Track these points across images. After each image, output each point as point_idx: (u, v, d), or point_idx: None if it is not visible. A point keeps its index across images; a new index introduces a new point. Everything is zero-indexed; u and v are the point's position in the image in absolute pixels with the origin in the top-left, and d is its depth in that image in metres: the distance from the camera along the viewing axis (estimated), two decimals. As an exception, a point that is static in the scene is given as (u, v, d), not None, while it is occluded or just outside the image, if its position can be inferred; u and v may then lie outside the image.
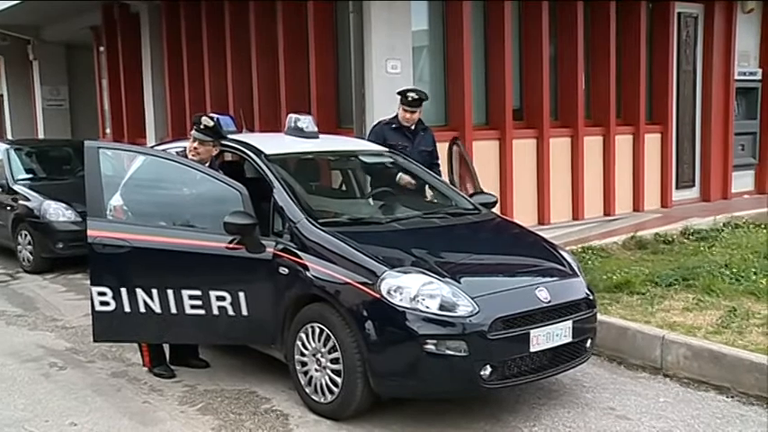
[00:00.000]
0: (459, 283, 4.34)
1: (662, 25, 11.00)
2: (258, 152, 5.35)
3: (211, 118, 5.36)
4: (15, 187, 9.66)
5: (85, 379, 5.36)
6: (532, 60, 9.67)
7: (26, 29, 15.89)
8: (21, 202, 9.42)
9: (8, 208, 9.57)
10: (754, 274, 6.84)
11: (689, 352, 5.08)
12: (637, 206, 10.78)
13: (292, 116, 5.99)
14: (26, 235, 9.25)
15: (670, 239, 8.72)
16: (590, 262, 7.49)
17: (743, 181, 12.34)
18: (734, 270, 6.96)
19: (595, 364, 5.26)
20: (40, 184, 9.79)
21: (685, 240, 8.79)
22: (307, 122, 5.88)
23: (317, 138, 5.93)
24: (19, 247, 9.36)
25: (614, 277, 6.77)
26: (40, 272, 9.07)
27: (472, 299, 4.24)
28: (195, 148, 5.27)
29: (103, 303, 4.98)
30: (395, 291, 4.24)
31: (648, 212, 10.66)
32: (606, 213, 10.41)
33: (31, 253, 9.19)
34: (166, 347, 5.45)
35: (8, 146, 10.64)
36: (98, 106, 15.11)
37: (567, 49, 10.02)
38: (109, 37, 13.62)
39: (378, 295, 4.26)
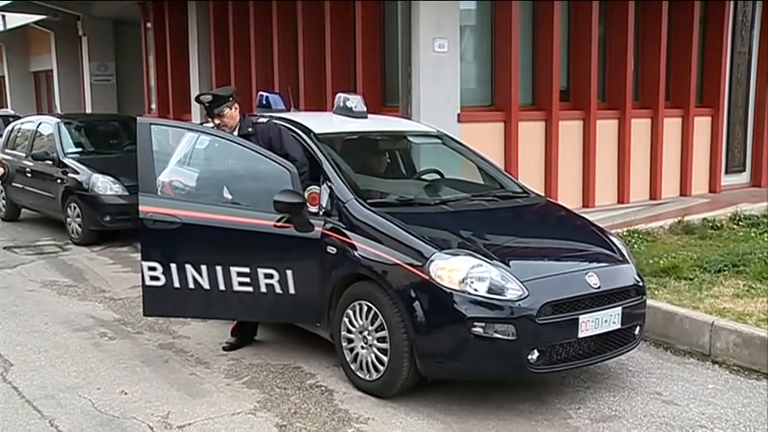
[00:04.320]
0: (509, 266, 4.31)
1: (717, 6, 10.72)
2: (308, 131, 5.36)
3: (230, 96, 5.33)
4: (65, 160, 9.82)
5: (134, 349, 5.47)
6: (581, 41, 9.51)
7: (76, 5, 16.07)
8: (70, 175, 9.58)
9: (58, 181, 9.74)
10: (807, 261, 6.70)
11: (739, 339, 5.01)
12: (684, 191, 10.62)
13: (341, 95, 5.98)
14: (75, 207, 9.43)
15: (719, 225, 8.58)
16: (636, 246, 7.40)
17: (796, 167, 12.06)
18: (786, 257, 6.83)
19: (641, 349, 5.20)
20: (88, 158, 9.95)
21: (735, 226, 8.64)
22: (356, 102, 5.87)
23: (366, 118, 5.92)
24: (68, 219, 9.54)
25: (661, 262, 6.69)
26: (87, 244, 9.25)
27: (521, 282, 4.22)
28: (218, 124, 5.30)
29: (154, 278, 5.05)
30: (444, 272, 4.23)
31: (696, 197, 10.50)
32: (652, 197, 10.28)
33: (79, 225, 9.37)
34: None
35: (58, 120, 10.82)
36: (144, 82, 15.28)
37: (616, 30, 9.84)
38: (156, 13, 13.73)
39: (426, 277, 4.26)
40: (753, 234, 8.15)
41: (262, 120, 5.42)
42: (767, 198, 9.97)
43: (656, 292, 5.88)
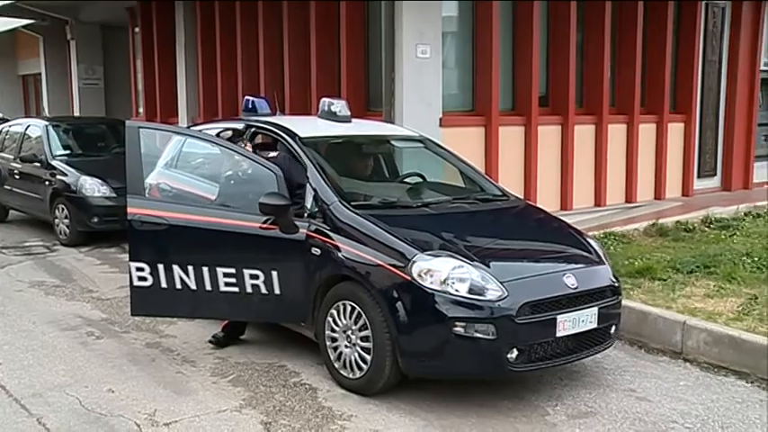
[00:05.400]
0: (489, 267, 4.33)
1: (689, 15, 10.86)
2: (293, 135, 5.35)
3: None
4: (53, 163, 9.76)
5: (121, 348, 5.44)
6: (559, 48, 9.58)
7: (65, 9, 15.94)
8: (58, 177, 9.52)
9: (46, 183, 9.68)
10: (775, 263, 6.78)
11: (709, 337, 5.06)
12: (658, 194, 10.71)
13: (326, 100, 5.97)
14: (63, 209, 9.37)
15: (691, 227, 8.66)
16: (611, 248, 7.46)
17: (764, 171, 12.24)
18: (755, 258, 6.92)
19: (616, 348, 5.24)
20: (76, 160, 9.89)
21: (706, 228, 8.73)
22: (340, 107, 5.86)
23: (350, 122, 5.92)
24: (56, 221, 9.48)
25: (636, 263, 6.74)
26: (75, 245, 9.18)
27: (501, 283, 4.23)
28: None
29: (141, 279, 5.03)
30: (426, 273, 4.24)
31: (669, 200, 10.60)
32: (628, 200, 10.36)
33: (67, 226, 9.31)
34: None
35: (47, 123, 10.74)
36: (132, 86, 15.18)
37: (593, 38, 9.92)
38: (144, 18, 13.65)
39: (409, 277, 4.27)
40: (723, 236, 8.24)
41: (272, 154, 5.39)
42: (737, 202, 10.07)
43: (631, 293, 5.92)
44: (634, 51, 10.19)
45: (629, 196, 10.38)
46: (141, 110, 14.45)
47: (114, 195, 8.94)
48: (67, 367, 5.06)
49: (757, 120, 11.84)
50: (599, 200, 10.04)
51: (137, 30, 14.33)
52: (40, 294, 6.99)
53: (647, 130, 10.50)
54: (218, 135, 5.72)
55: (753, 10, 11.45)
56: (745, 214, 9.45)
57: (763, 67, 11.75)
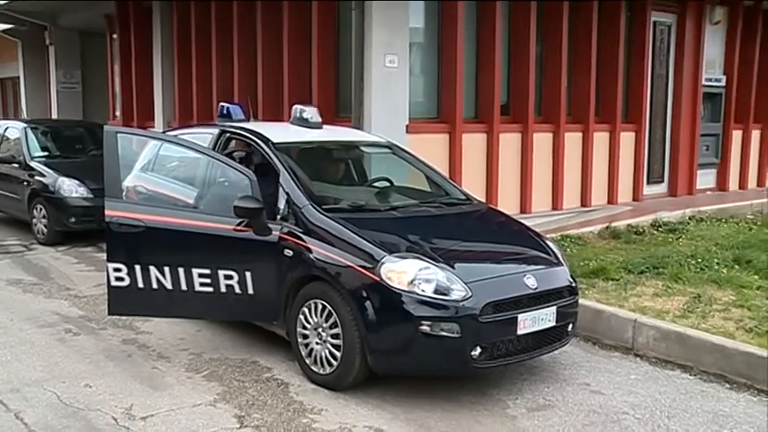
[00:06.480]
0: (454, 268, 4.33)
1: (639, 32, 11.00)
2: (266, 140, 5.31)
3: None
4: (32, 164, 9.59)
5: (98, 345, 5.35)
6: (520, 59, 9.64)
7: (44, 15, 15.67)
8: (36, 177, 9.35)
9: (24, 183, 9.49)
10: (717, 264, 6.91)
11: (658, 334, 5.14)
12: (611, 199, 10.81)
13: (298, 107, 5.94)
14: (41, 209, 9.19)
15: (641, 230, 8.77)
16: (568, 249, 7.50)
17: (706, 178, 12.45)
18: (699, 260, 7.02)
19: (572, 344, 5.27)
20: (54, 162, 9.72)
21: (655, 232, 8.84)
22: (311, 113, 5.84)
23: (321, 128, 5.89)
24: (34, 221, 9.30)
25: (591, 264, 6.81)
26: (53, 244, 9.02)
27: (465, 284, 4.24)
28: None
29: (119, 279, 4.95)
30: (393, 274, 4.23)
31: (622, 205, 10.69)
32: (583, 204, 10.43)
33: (45, 226, 9.14)
34: None
35: (25, 125, 10.53)
36: (109, 90, 14.96)
37: (551, 51, 10.00)
38: (122, 25, 13.45)
39: (377, 278, 4.25)
40: (670, 239, 8.36)
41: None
42: (683, 207, 10.23)
43: (587, 292, 5.98)
44: (589, 65, 10.30)
45: (585, 200, 10.46)
46: (118, 113, 14.23)
47: (91, 196, 8.79)
48: (45, 363, 4.95)
49: (700, 130, 12.06)
50: (556, 204, 10.11)
51: (114, 36, 14.11)
52: (18, 292, 6.84)
53: (600, 139, 10.61)
54: (194, 139, 5.65)
55: (694, 28, 11.67)
56: (690, 218, 9.61)
57: (704, 82, 11.97)
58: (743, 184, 12.95)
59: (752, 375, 4.63)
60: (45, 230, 9.13)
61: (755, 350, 4.72)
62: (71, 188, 9.03)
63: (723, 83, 12.39)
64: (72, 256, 8.53)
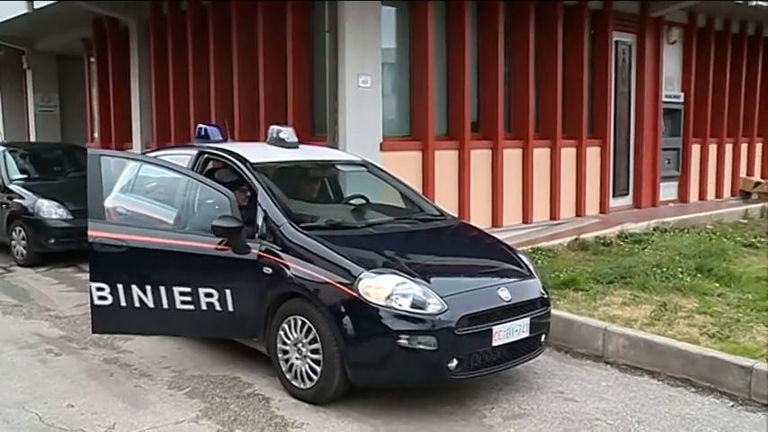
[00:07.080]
0: (430, 283, 4.34)
1: (602, 51, 11.19)
2: (244, 160, 5.30)
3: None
4: (11, 186, 9.44)
5: (80, 364, 5.27)
6: (489, 79, 9.76)
7: (21, 40, 15.50)
8: (15, 200, 9.21)
9: (3, 206, 9.35)
10: (681, 273, 7.00)
11: (626, 341, 5.19)
12: (579, 212, 10.93)
13: (274, 127, 5.94)
14: (20, 231, 9.05)
15: (608, 242, 8.85)
16: (539, 261, 7.54)
17: (668, 191, 12.67)
18: (663, 269, 7.10)
19: (546, 354, 5.31)
20: (33, 184, 9.59)
21: (622, 243, 8.93)
22: (287, 133, 5.84)
23: (297, 148, 5.89)
24: (13, 242, 9.15)
25: (561, 275, 6.85)
26: (32, 265, 8.87)
27: (441, 297, 4.25)
28: None
29: (101, 298, 4.91)
30: (371, 290, 4.23)
31: (589, 217, 10.81)
32: (552, 218, 10.53)
33: (24, 248, 8.99)
34: None
35: (3, 148, 10.37)
36: (87, 113, 14.81)
37: (519, 70, 10.13)
38: (99, 49, 13.35)
39: (355, 294, 4.25)
40: (636, 250, 8.44)
41: None
42: (647, 218, 10.35)
43: (558, 303, 6.01)
44: (555, 83, 10.44)
45: (554, 214, 10.56)
46: (96, 135, 14.09)
47: (71, 217, 8.68)
48: (26, 384, 4.86)
49: (662, 144, 12.27)
50: (527, 217, 10.20)
51: (92, 59, 14.01)
52: (-2, 314, 6.72)
53: (568, 154, 10.74)
54: (173, 160, 5.62)
55: (653, 46, 11.92)
56: (654, 229, 9.72)
57: (664, 98, 12.21)
58: (702, 195, 13.22)
59: (715, 379, 4.70)
60: (24, 252, 8.99)
61: (718, 354, 4.79)
62: (50, 210, 8.91)
63: (682, 99, 12.67)
64: (52, 276, 8.39)
